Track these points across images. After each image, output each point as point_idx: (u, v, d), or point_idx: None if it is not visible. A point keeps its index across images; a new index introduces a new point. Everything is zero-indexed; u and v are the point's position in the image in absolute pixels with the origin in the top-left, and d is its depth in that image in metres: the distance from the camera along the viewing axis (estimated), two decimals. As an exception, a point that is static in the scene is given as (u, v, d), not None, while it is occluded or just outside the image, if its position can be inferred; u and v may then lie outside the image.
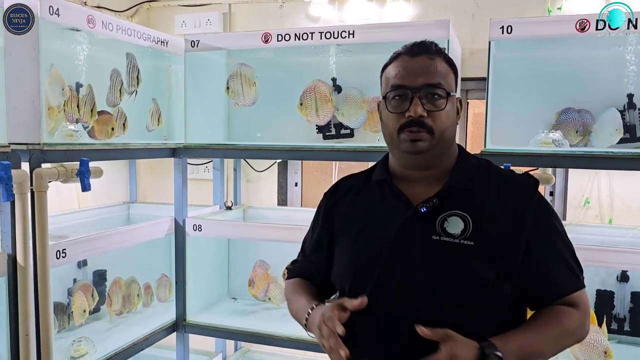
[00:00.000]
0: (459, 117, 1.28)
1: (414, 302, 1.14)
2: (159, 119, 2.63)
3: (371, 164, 2.70)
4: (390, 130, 1.22)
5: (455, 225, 1.16)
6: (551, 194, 2.75)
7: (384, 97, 1.24)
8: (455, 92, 1.25)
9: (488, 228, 1.15)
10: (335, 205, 1.37)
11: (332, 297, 1.41)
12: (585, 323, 1.19)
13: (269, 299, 2.72)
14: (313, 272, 1.40)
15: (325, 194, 1.43)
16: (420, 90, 1.18)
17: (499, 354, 1.05)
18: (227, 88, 2.58)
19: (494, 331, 1.12)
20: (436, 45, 1.24)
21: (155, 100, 2.62)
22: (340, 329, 1.09)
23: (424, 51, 1.21)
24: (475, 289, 1.13)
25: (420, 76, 1.18)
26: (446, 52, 1.26)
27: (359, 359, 1.17)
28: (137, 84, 2.45)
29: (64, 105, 2.08)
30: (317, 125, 2.61)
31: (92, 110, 2.20)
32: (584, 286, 1.20)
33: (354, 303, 1.13)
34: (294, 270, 1.46)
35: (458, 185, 1.21)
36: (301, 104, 2.49)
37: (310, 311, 1.24)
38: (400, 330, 1.14)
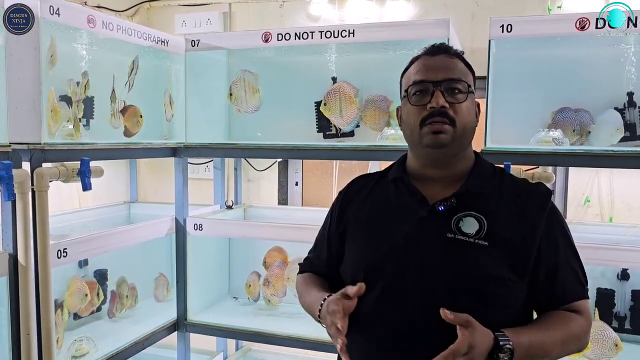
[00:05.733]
0: (477, 121, 1.30)
1: (427, 299, 1.14)
2: (170, 103, 2.69)
3: (371, 163, 2.73)
4: (412, 126, 1.24)
5: (470, 225, 1.18)
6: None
7: (406, 93, 1.27)
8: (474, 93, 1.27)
9: (502, 231, 1.17)
10: (348, 203, 1.38)
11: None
12: (588, 333, 1.20)
13: (269, 300, 2.71)
14: (323, 269, 1.41)
15: (340, 192, 1.44)
16: (441, 84, 1.20)
17: (510, 346, 1.06)
18: (230, 94, 2.58)
19: None
20: (454, 48, 1.29)
21: (167, 91, 2.68)
22: (340, 324, 1.12)
23: (443, 51, 1.26)
24: (488, 288, 1.14)
25: (441, 71, 1.22)
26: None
27: (372, 353, 1.17)
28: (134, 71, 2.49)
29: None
30: (317, 125, 2.61)
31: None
32: (588, 297, 1.22)
33: (353, 290, 1.16)
34: (305, 266, 1.48)
35: (475, 188, 1.23)
36: (325, 104, 2.47)
37: (323, 302, 1.25)
38: (413, 326, 1.15)
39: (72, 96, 2.16)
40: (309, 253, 1.50)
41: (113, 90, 2.36)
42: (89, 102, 2.30)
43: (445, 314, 1.08)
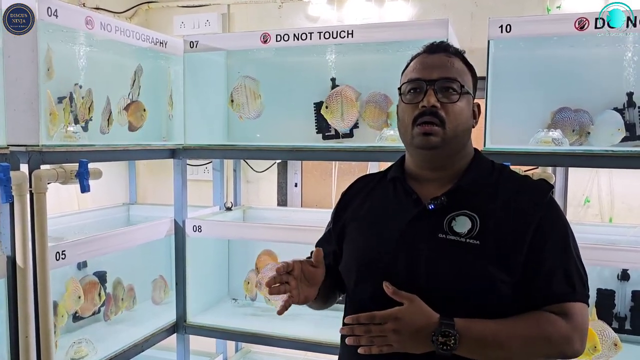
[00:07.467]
0: (476, 122, 1.29)
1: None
2: (169, 104, 2.72)
3: (370, 163, 2.72)
4: (405, 124, 1.24)
5: (462, 225, 1.16)
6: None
7: (400, 91, 1.26)
8: (473, 95, 1.26)
9: (495, 228, 1.15)
10: (349, 202, 1.39)
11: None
12: (573, 338, 1.11)
13: (269, 299, 2.71)
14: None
15: (343, 192, 1.45)
16: (434, 83, 1.20)
17: (452, 332, 1.06)
18: (232, 101, 2.58)
19: None
20: (455, 47, 1.28)
21: (169, 90, 2.69)
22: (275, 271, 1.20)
23: (442, 49, 1.25)
24: (478, 288, 1.13)
25: (436, 70, 1.21)
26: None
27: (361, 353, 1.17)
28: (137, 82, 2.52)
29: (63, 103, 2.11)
30: (316, 126, 2.61)
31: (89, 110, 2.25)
32: (581, 301, 1.15)
33: (314, 257, 1.23)
34: None
35: (469, 186, 1.22)
36: (327, 107, 2.46)
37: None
38: None
39: (77, 102, 2.17)
40: (315, 246, 1.50)
41: (110, 113, 2.37)
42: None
43: (386, 285, 1.13)
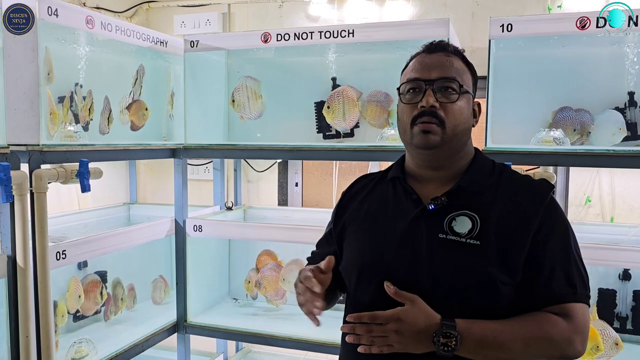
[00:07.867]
0: (476, 121, 1.29)
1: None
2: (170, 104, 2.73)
3: (371, 163, 2.72)
4: (404, 124, 1.24)
5: (463, 225, 1.16)
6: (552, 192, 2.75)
7: (398, 91, 1.26)
8: (473, 94, 1.26)
9: (496, 229, 1.15)
10: (349, 201, 1.39)
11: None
12: (574, 339, 1.11)
13: (269, 299, 2.71)
14: None
15: (342, 192, 1.45)
16: (433, 83, 1.20)
17: (453, 333, 1.06)
18: (233, 101, 2.58)
19: None
20: (455, 46, 1.28)
21: (170, 90, 2.70)
22: (317, 288, 1.18)
23: (441, 49, 1.25)
24: (478, 288, 1.13)
25: (435, 70, 1.21)
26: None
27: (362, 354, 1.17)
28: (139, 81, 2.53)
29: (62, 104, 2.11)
30: (317, 125, 2.61)
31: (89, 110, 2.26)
32: (582, 301, 1.15)
33: (323, 264, 1.22)
34: (310, 259, 1.48)
35: (469, 186, 1.22)
36: (328, 107, 2.47)
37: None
38: None
39: (77, 102, 2.17)
40: (316, 248, 1.51)
41: (110, 111, 2.37)
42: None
43: (388, 285, 1.13)
